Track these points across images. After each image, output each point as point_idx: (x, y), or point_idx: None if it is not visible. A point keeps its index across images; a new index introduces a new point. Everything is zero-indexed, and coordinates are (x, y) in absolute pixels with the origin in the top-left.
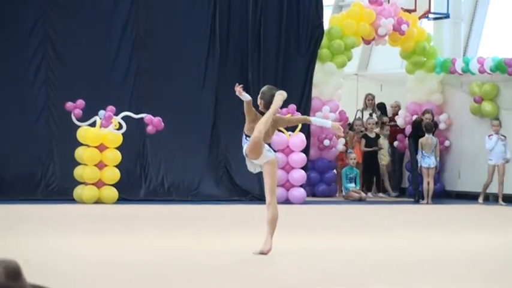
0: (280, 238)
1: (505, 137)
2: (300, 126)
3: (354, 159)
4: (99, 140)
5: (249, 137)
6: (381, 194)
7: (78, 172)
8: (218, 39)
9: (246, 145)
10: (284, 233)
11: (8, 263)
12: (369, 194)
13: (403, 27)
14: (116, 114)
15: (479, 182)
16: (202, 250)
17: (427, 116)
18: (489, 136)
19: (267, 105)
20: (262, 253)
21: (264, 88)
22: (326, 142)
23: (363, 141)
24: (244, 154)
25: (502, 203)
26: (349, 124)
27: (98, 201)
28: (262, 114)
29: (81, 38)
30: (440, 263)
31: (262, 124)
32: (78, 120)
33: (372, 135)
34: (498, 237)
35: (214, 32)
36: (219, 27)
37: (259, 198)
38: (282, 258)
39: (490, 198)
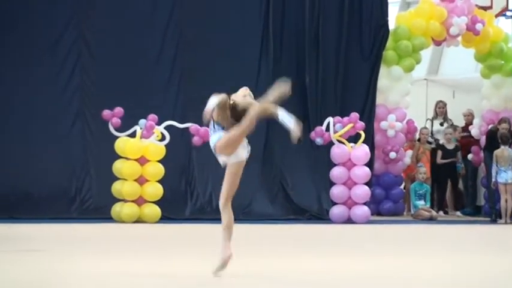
0: (337, 260)
1: None
2: (363, 137)
3: (424, 173)
4: (140, 152)
5: (219, 125)
6: (458, 213)
7: (117, 188)
8: (272, 41)
9: (216, 136)
10: (343, 254)
11: None
12: (441, 213)
13: (478, 26)
14: (158, 123)
15: None
16: (253, 275)
17: (504, 125)
18: None
19: None
20: (223, 264)
21: None
22: (392, 155)
23: (439, 153)
24: (212, 148)
25: None
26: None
27: (139, 220)
28: None
29: (119, 39)
30: None
31: (255, 112)
32: (116, 130)
33: (450, 147)
34: None
35: (268, 32)
36: (272, 27)
37: (318, 217)
38: (340, 282)
39: None
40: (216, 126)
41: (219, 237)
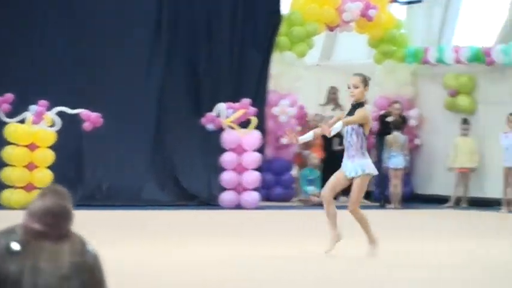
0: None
1: None
2: (254, 122)
3: (315, 159)
4: (30, 138)
5: None
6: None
7: (6, 174)
8: (165, 25)
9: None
10: (230, 240)
11: (57, 186)
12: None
13: (371, 12)
14: (49, 109)
15: (453, 185)
16: (142, 264)
17: (396, 106)
18: (505, 133)
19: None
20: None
21: (362, 74)
22: (284, 140)
23: (336, 140)
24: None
25: None
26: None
27: None
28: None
29: (7, 21)
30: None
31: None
32: (6, 116)
33: None
34: (462, 244)
35: (161, 17)
36: (166, 12)
37: (207, 203)
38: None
39: (462, 203)
40: None
41: (108, 222)
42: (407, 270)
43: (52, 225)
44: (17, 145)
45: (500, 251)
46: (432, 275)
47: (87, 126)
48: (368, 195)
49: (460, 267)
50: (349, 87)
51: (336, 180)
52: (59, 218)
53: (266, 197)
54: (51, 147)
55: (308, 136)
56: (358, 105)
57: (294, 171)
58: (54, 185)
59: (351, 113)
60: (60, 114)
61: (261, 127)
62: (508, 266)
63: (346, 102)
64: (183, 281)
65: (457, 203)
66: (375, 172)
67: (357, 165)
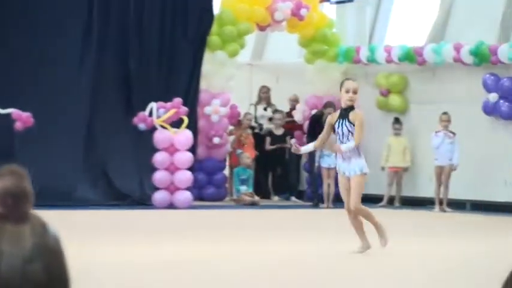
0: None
1: (453, 134)
2: (186, 122)
3: (248, 158)
4: None
5: None
6: (293, 199)
7: None
8: (96, 23)
9: None
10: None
11: (15, 167)
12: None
13: (302, 11)
14: None
15: (385, 184)
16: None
17: (329, 110)
18: (436, 132)
19: None
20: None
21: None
22: (216, 140)
23: (268, 139)
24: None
25: (448, 209)
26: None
27: None
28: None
29: None
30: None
31: None
32: None
33: (279, 133)
34: (396, 243)
35: (91, 13)
36: (97, 8)
37: (140, 203)
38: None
39: (395, 202)
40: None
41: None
42: (339, 269)
43: (11, 207)
44: None
45: (429, 249)
46: (369, 271)
47: (18, 126)
48: (301, 195)
49: (395, 265)
50: (348, 92)
51: (344, 190)
52: (18, 200)
53: (199, 197)
54: None
55: (309, 147)
56: (350, 108)
57: (226, 171)
58: (12, 166)
59: (343, 116)
60: None
61: (192, 127)
62: (444, 263)
63: (277, 101)
64: (125, 283)
65: (390, 202)
66: (368, 171)
67: (355, 165)
